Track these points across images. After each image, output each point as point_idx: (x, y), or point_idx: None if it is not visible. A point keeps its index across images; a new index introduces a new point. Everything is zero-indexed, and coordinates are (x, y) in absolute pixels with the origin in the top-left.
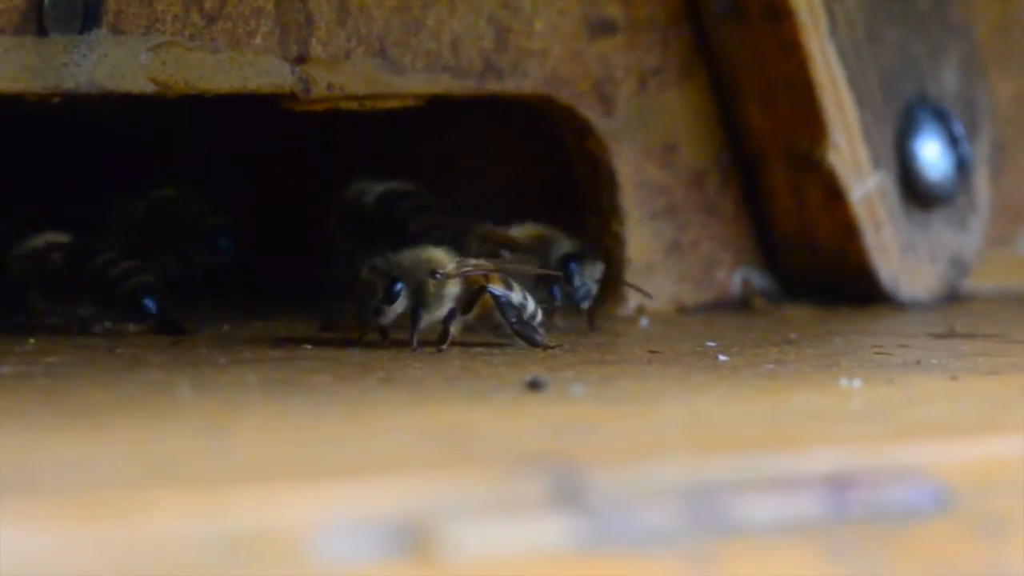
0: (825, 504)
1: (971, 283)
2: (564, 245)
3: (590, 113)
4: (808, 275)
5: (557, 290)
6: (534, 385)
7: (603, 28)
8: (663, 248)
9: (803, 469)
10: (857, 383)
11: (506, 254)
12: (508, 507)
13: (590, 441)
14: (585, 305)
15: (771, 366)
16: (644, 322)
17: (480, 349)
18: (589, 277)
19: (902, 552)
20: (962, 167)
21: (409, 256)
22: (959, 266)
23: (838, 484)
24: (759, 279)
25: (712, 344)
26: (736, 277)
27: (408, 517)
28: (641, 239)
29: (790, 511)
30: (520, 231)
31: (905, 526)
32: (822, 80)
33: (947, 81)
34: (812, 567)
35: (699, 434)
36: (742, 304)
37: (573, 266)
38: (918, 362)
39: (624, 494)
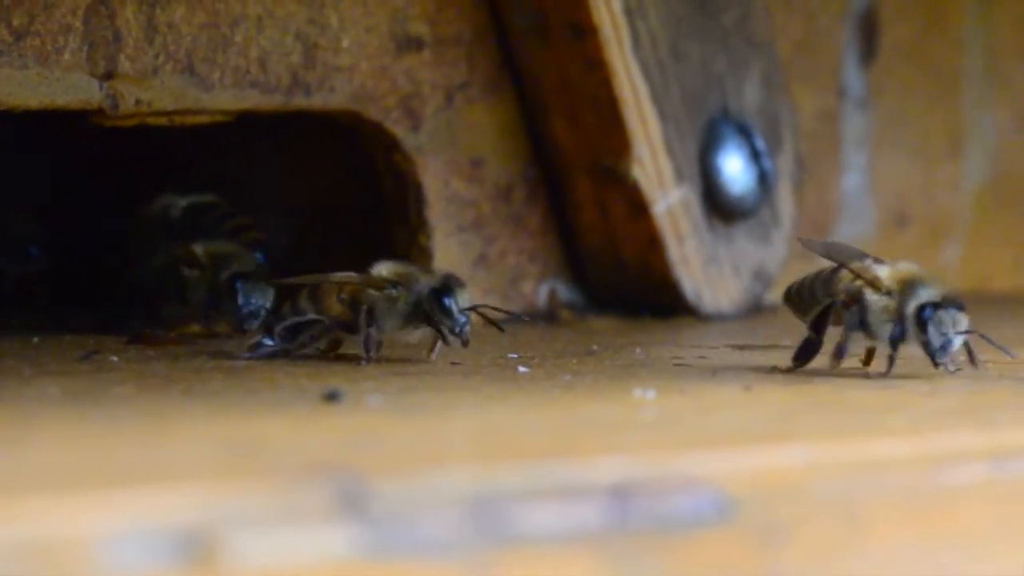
0: (607, 513)
1: (774, 295)
2: (927, 292)
3: (397, 128)
4: (613, 287)
5: (898, 334)
6: (331, 396)
7: (410, 44)
8: (470, 261)
9: (587, 478)
10: (651, 393)
11: (868, 293)
12: (292, 516)
13: (378, 451)
14: (939, 360)
15: (568, 377)
16: None
17: (284, 360)
18: (950, 329)
19: (682, 560)
20: (764, 181)
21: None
22: (762, 279)
23: (621, 493)
24: (565, 291)
25: (514, 355)
26: (542, 289)
27: (193, 526)
28: (448, 252)
29: (572, 520)
30: (888, 271)
31: (686, 535)
32: (626, 96)
33: (750, 96)
34: (593, 575)
35: (486, 444)
36: (548, 316)
37: (929, 313)
38: (714, 373)
39: (407, 503)
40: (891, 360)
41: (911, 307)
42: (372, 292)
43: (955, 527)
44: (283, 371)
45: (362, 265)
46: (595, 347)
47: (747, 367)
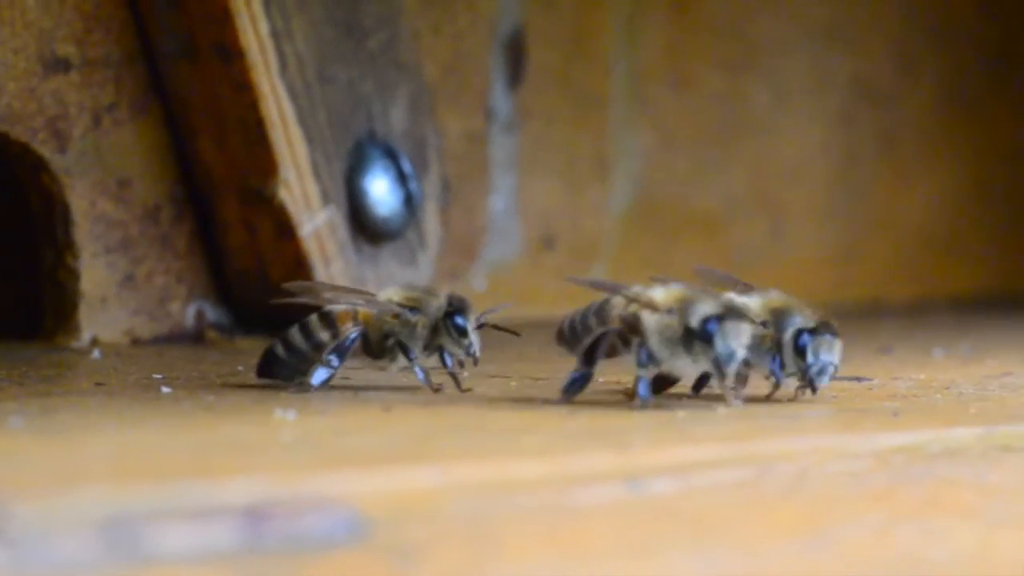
0: (241, 534)
1: None
2: (705, 307)
3: (44, 149)
4: (262, 308)
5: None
6: None
7: (57, 66)
8: (117, 281)
9: (221, 499)
10: (292, 414)
11: (646, 315)
12: None
13: (15, 472)
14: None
15: (212, 398)
16: (96, 354)
17: None
18: (737, 339)
19: None
20: (410, 203)
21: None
22: None
23: (255, 514)
24: (213, 312)
25: (159, 376)
26: (190, 310)
27: None
28: (95, 272)
29: (205, 540)
30: (663, 292)
31: (319, 555)
32: (273, 118)
33: (396, 119)
34: None
35: (123, 465)
36: (196, 337)
37: (713, 327)
38: (356, 393)
39: (42, 524)
40: (706, 381)
41: (695, 322)
42: (388, 319)
43: (589, 547)
44: None
45: None
46: (240, 368)
47: (389, 388)
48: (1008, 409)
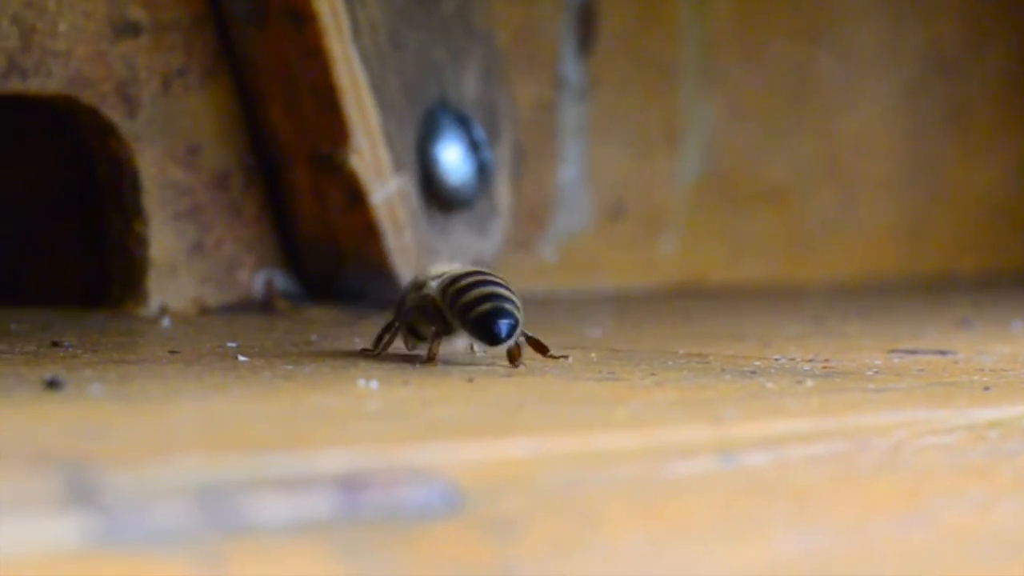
0: (336, 504)
1: None
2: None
3: (113, 114)
4: (331, 277)
5: None
6: (52, 384)
7: (128, 30)
8: (186, 249)
9: (315, 469)
10: (375, 384)
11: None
12: (20, 506)
13: (105, 440)
14: None
15: (290, 367)
16: (166, 322)
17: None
18: None
19: (412, 551)
20: (483, 172)
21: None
22: None
23: (350, 484)
24: (282, 281)
25: (233, 344)
26: (259, 278)
27: None
28: (164, 240)
29: (302, 510)
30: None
31: (415, 526)
32: (344, 84)
33: (468, 86)
34: (323, 566)
35: (214, 433)
36: (265, 305)
37: None
38: (436, 364)
39: (137, 492)
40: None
41: None
42: None
43: (684, 520)
44: (1, 358)
45: None
46: (314, 336)
47: (469, 359)
48: None
